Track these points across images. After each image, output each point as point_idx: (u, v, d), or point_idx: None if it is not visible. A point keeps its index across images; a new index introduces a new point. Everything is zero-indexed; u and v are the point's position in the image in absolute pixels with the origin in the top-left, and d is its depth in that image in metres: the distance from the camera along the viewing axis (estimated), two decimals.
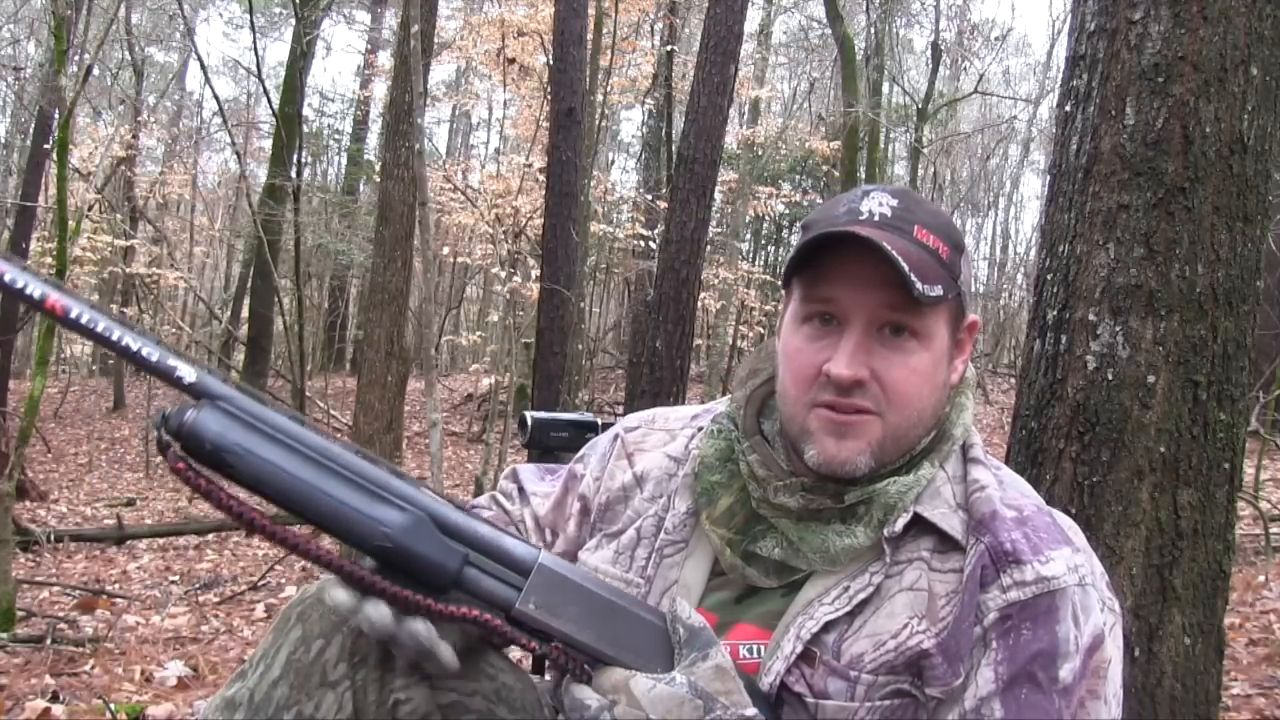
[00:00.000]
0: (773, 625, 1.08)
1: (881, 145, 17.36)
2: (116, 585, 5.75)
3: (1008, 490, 1.10)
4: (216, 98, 13.23)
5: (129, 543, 7.07)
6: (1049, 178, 1.88)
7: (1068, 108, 1.81)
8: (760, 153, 15.31)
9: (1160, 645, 1.65)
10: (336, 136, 23.43)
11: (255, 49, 10.90)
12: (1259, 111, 1.67)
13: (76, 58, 10.03)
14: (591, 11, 8.37)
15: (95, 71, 12.83)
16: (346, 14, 21.48)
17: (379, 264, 9.03)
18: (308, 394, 10.65)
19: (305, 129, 15.41)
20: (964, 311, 1.13)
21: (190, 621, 4.63)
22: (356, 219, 17.77)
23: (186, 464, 0.92)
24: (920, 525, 1.08)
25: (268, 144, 17.87)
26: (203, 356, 14.29)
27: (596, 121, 9.76)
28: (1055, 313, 1.76)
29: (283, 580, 5.85)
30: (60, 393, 16.93)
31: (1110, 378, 1.67)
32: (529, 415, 1.94)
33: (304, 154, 13.38)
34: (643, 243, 13.08)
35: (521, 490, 1.34)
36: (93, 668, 3.59)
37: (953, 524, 1.07)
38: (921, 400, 1.08)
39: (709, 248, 11.38)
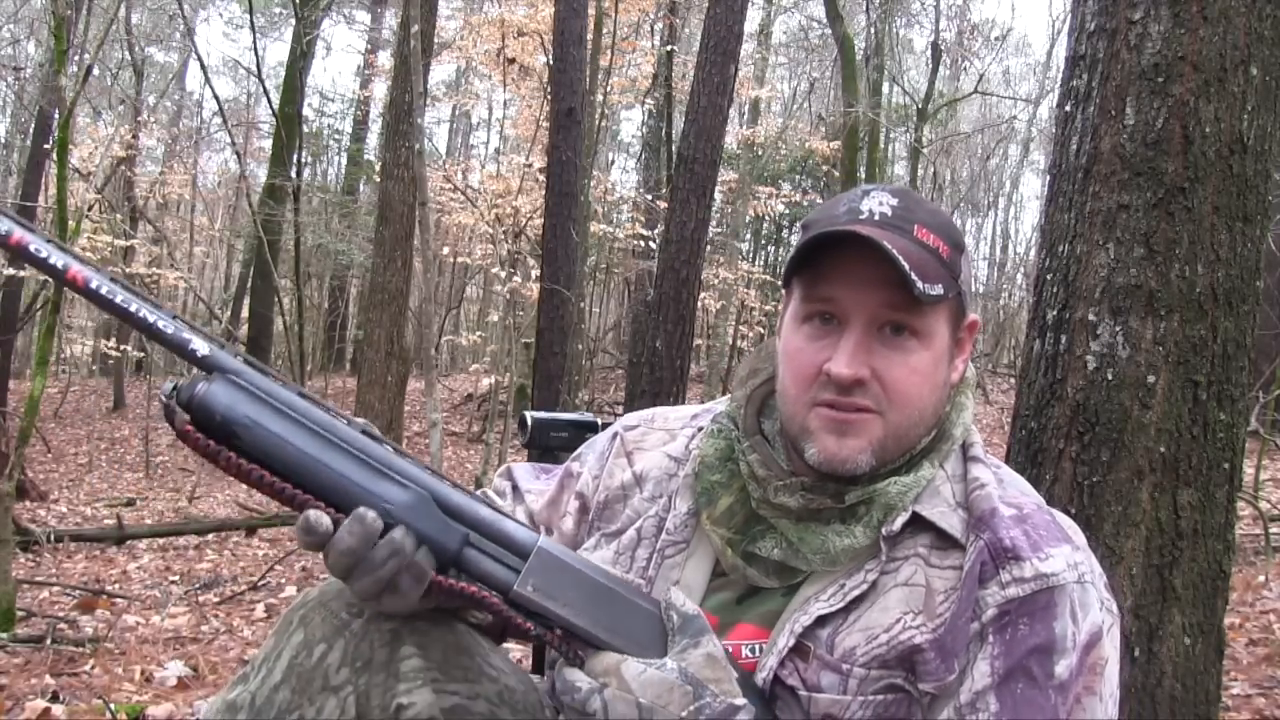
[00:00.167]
0: (772, 624, 1.09)
1: (881, 145, 17.37)
2: (116, 585, 5.75)
3: (1008, 488, 1.10)
4: (216, 98, 13.27)
5: (129, 543, 7.07)
6: (1049, 178, 1.88)
7: (1068, 108, 1.81)
8: (760, 153, 15.31)
9: (1160, 645, 1.65)
10: (336, 136, 23.45)
11: (255, 49, 10.92)
12: (1259, 111, 1.67)
13: (76, 58, 10.03)
14: (591, 11, 8.37)
15: (95, 71, 12.84)
16: (346, 14, 21.49)
17: (379, 264, 9.05)
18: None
19: (305, 129, 15.42)
20: (964, 311, 1.13)
21: (190, 621, 4.63)
22: (356, 219, 17.78)
23: (193, 428, 0.95)
24: (918, 523, 1.08)
25: (268, 144, 17.88)
26: None
27: (596, 121, 9.76)
28: (1055, 313, 1.76)
29: (283, 580, 5.85)
30: (60, 393, 16.93)
31: (1110, 378, 1.67)
32: (529, 415, 1.94)
33: (304, 154, 13.39)
34: (643, 243, 13.09)
35: (516, 488, 1.34)
36: (93, 668, 3.59)
37: (952, 522, 1.08)
38: (922, 399, 1.08)
39: (709, 248, 11.38)
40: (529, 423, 1.92)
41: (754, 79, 15.42)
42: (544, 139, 8.66)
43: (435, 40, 10.81)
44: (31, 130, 13.49)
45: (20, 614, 4.17)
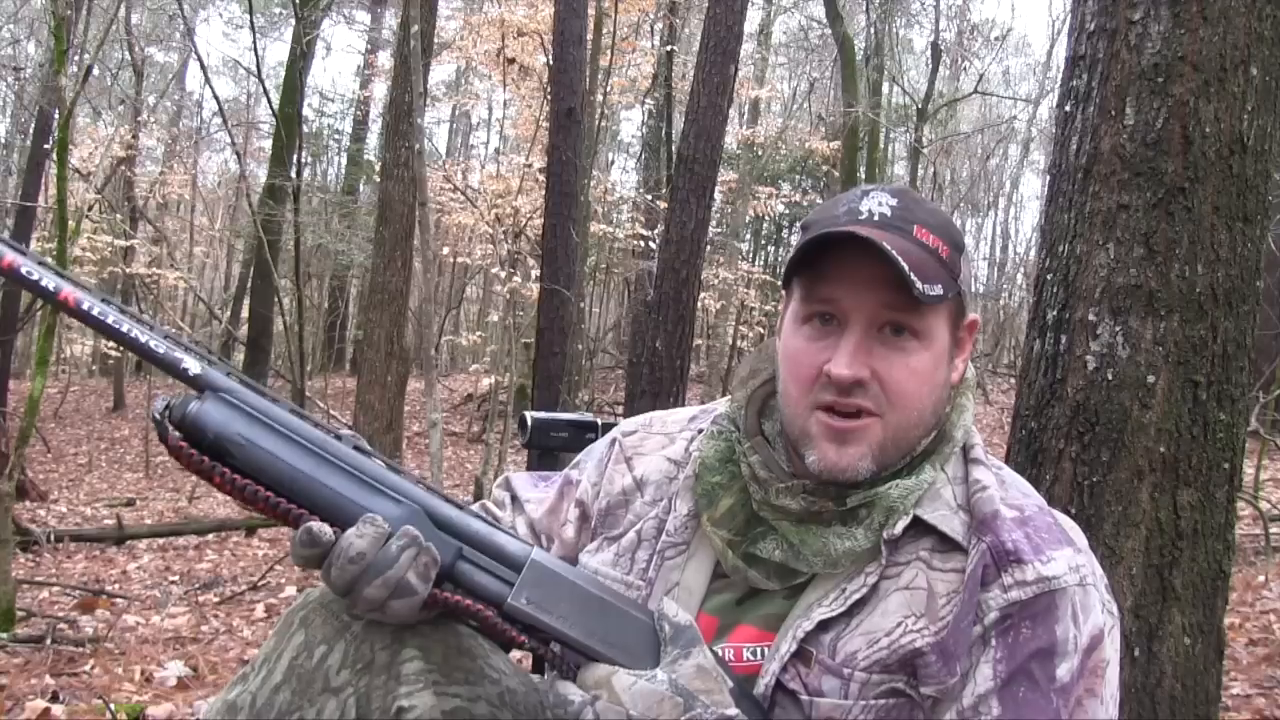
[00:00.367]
0: (773, 627, 1.08)
1: (881, 145, 17.38)
2: (116, 585, 5.75)
3: (1009, 490, 1.10)
4: (216, 98, 13.25)
5: (129, 543, 7.07)
6: (1049, 178, 1.88)
7: (1068, 108, 1.81)
8: (760, 153, 15.31)
9: (1160, 645, 1.65)
10: (336, 136, 23.44)
11: (255, 49, 10.91)
12: (1259, 111, 1.67)
13: (76, 58, 10.03)
14: (591, 11, 8.37)
15: (95, 71, 12.84)
16: (346, 14, 21.47)
17: (379, 264, 9.04)
18: (308, 394, 10.65)
19: (305, 129, 15.41)
20: (964, 310, 1.13)
21: (190, 621, 4.63)
22: (356, 219, 17.77)
23: (185, 445, 0.95)
24: (919, 526, 1.08)
25: (268, 144, 17.88)
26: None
27: (596, 121, 9.76)
28: (1055, 313, 1.76)
29: (283, 580, 5.85)
30: (60, 393, 16.93)
31: (1110, 378, 1.67)
32: (529, 415, 1.94)
33: (304, 154, 13.38)
34: (643, 243, 13.08)
35: (515, 498, 1.33)
36: (93, 668, 3.59)
37: (953, 525, 1.08)
38: (922, 400, 1.08)
39: (709, 248, 11.38)
40: (529, 423, 1.92)
41: (754, 79, 15.43)
42: (544, 139, 8.66)
43: (435, 40, 10.81)
44: (31, 130, 13.47)
45: (20, 614, 4.17)
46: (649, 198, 12.91)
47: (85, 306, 0.95)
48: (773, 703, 1.05)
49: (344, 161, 22.98)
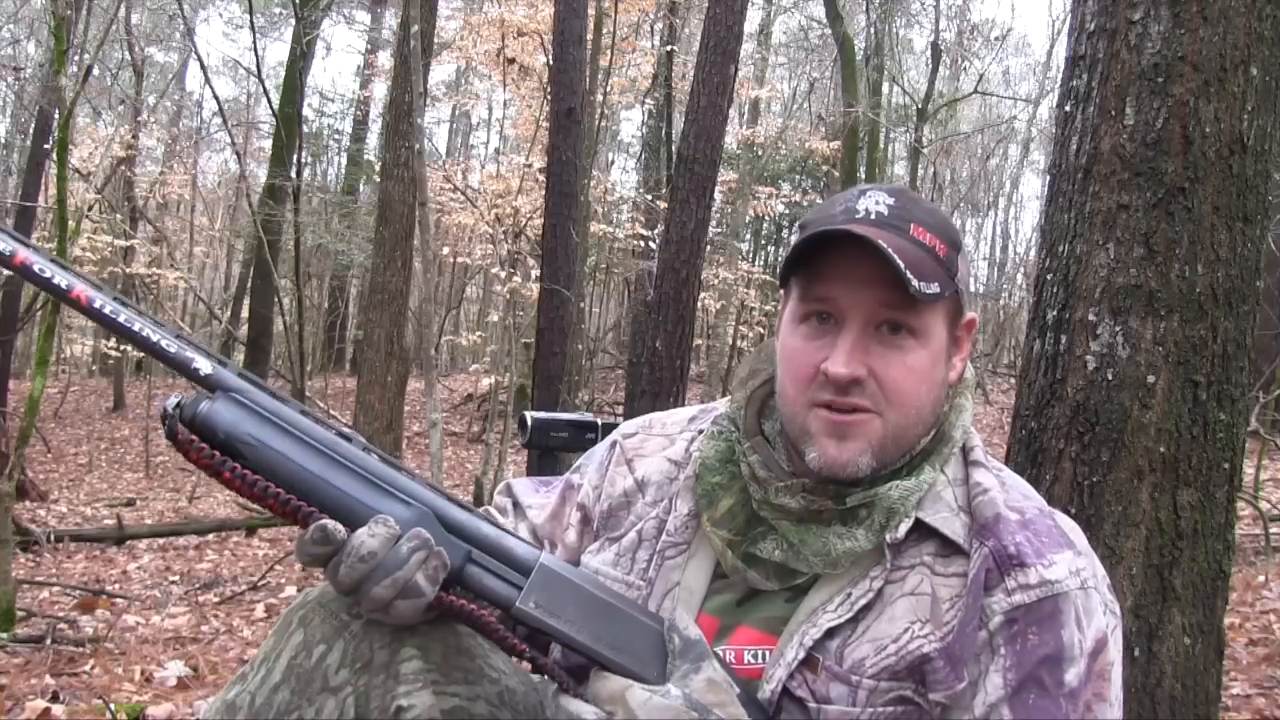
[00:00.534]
0: (775, 629, 1.08)
1: (881, 145, 17.39)
2: (116, 585, 5.75)
3: (1010, 493, 1.10)
4: (216, 98, 13.25)
5: (129, 543, 7.07)
6: (1049, 178, 1.88)
7: (1068, 108, 1.81)
8: (760, 153, 15.31)
9: (1160, 645, 1.65)
10: (336, 136, 23.44)
11: (255, 49, 10.91)
12: (1259, 111, 1.67)
13: (76, 58, 10.03)
14: (591, 11, 8.37)
15: (95, 71, 12.84)
16: (346, 14, 21.47)
17: (379, 264, 9.04)
18: (308, 394, 10.65)
19: (305, 129, 15.42)
20: (962, 309, 1.13)
21: (190, 621, 4.63)
22: (356, 219, 17.77)
23: (195, 439, 0.96)
24: (921, 530, 1.08)
25: (268, 144, 17.89)
26: None
27: (596, 121, 9.76)
28: (1055, 313, 1.75)
29: (283, 580, 5.85)
30: (60, 393, 16.93)
31: (1110, 378, 1.67)
32: (529, 415, 1.94)
33: (304, 154, 13.38)
34: (643, 243, 13.07)
35: (517, 504, 1.33)
36: (93, 668, 3.59)
37: (954, 528, 1.08)
38: (919, 398, 1.08)
39: (709, 248, 11.38)
40: (529, 423, 1.92)
41: (754, 79, 15.42)
42: (544, 139, 8.66)
43: (435, 40, 10.80)
44: (31, 130, 13.48)
45: (20, 614, 4.17)
46: (649, 198, 12.91)
47: (98, 305, 0.96)
48: (778, 708, 1.05)
49: (344, 161, 22.99)
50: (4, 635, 3.82)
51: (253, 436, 0.97)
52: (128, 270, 13.94)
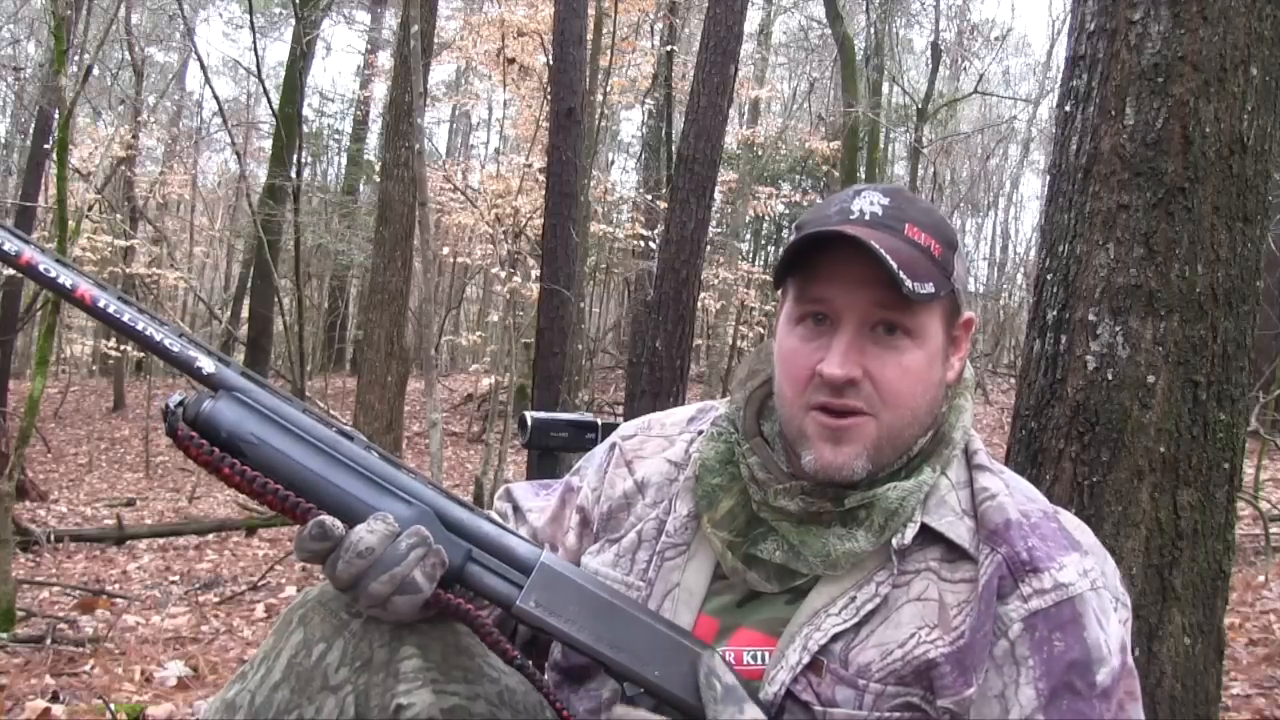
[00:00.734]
0: (775, 631, 1.08)
1: (881, 145, 17.38)
2: (116, 585, 5.75)
3: (1016, 496, 1.10)
4: (216, 98, 13.24)
5: (129, 543, 7.07)
6: (1049, 178, 1.88)
7: (1068, 108, 1.81)
8: (760, 153, 15.31)
9: (1160, 645, 1.65)
10: (336, 136, 23.44)
11: (255, 49, 10.90)
12: (1259, 111, 1.67)
13: (76, 58, 10.03)
14: (591, 11, 8.37)
15: (95, 71, 12.84)
16: (346, 14, 21.48)
17: (379, 264, 9.05)
18: (308, 394, 10.64)
19: (305, 129, 15.42)
20: (959, 309, 1.12)
21: (190, 621, 4.63)
22: (356, 219, 17.77)
23: (195, 436, 0.96)
24: (926, 534, 1.08)
25: (268, 144, 17.90)
26: None
27: (596, 121, 9.76)
28: (1055, 313, 1.76)
29: (283, 580, 5.85)
30: (60, 393, 16.93)
31: (1110, 378, 1.67)
32: (529, 415, 1.94)
33: (304, 154, 13.38)
34: (643, 243, 13.08)
35: (516, 508, 1.33)
36: (93, 668, 3.59)
37: (959, 532, 1.07)
38: (915, 398, 1.08)
39: (709, 248, 11.38)
40: (529, 423, 1.92)
41: (754, 79, 15.42)
42: (544, 139, 8.65)
43: (435, 40, 10.81)
44: (31, 130, 13.48)
45: (20, 614, 4.17)
46: (649, 198, 12.91)
47: (102, 304, 0.96)
48: (780, 710, 1.04)
49: (344, 161, 22.99)
50: (4, 635, 3.82)
51: (255, 435, 0.97)
52: (128, 270, 13.93)
